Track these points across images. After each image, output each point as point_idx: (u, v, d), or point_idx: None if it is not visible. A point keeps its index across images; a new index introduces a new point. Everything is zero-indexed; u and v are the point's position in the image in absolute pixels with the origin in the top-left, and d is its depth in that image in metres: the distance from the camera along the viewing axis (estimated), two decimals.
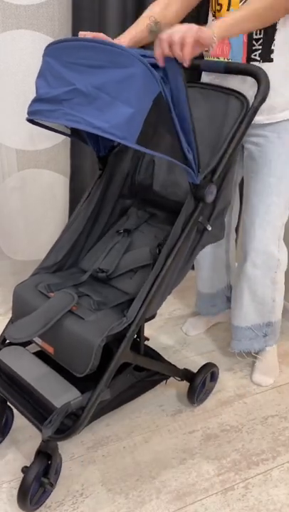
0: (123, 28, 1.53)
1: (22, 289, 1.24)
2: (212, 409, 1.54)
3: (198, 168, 1.05)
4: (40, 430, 1.08)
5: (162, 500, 1.26)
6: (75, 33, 1.52)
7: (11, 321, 1.28)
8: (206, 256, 1.70)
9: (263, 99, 1.09)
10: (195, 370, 1.50)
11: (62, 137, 1.72)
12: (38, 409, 1.14)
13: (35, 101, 0.99)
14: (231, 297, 1.65)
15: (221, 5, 1.23)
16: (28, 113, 1.01)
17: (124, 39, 1.22)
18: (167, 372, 1.42)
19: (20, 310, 1.22)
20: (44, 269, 1.32)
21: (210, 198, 1.13)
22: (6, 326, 1.29)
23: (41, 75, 0.99)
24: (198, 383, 1.47)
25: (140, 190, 1.40)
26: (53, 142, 1.72)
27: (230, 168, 1.18)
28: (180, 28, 0.88)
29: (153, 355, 1.48)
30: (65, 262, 1.35)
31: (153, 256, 1.30)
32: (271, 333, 1.63)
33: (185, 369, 1.49)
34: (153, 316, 1.23)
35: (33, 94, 1.58)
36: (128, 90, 0.86)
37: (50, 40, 1.52)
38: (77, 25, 1.52)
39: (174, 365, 1.45)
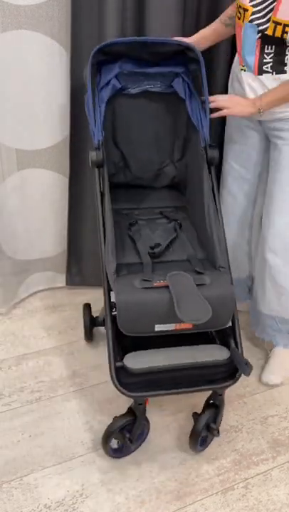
0: (123, 28, 1.53)
1: (127, 296, 1.18)
2: None
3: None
4: (215, 392, 1.31)
5: (162, 500, 1.26)
6: (74, 33, 1.52)
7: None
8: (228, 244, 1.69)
9: None
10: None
11: (62, 137, 1.72)
12: (200, 377, 1.25)
13: None
14: (253, 284, 1.64)
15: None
16: None
17: (193, 37, 1.48)
18: None
19: (145, 311, 1.18)
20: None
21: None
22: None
23: None
24: None
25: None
26: (52, 142, 1.72)
27: None
28: (229, 103, 1.36)
29: None
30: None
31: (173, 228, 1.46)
32: None
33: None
34: None
35: (32, 94, 1.59)
36: None
37: (49, 40, 1.52)
38: (76, 25, 1.52)
39: None
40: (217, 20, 1.47)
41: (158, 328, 1.18)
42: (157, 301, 1.16)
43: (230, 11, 1.43)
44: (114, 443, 1.35)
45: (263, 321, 1.62)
